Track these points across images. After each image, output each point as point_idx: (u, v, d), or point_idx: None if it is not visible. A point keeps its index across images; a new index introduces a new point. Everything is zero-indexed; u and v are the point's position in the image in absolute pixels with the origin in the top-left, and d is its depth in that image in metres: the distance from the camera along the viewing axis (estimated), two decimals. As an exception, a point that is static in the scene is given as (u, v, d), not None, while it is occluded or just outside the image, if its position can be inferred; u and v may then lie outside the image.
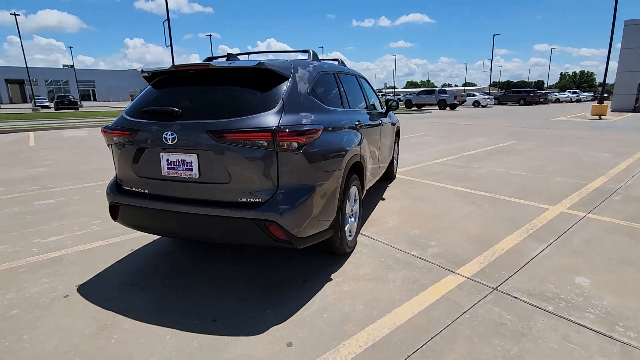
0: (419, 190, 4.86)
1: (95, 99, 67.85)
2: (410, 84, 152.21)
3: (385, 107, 4.64)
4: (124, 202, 2.45)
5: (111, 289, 2.51)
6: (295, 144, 2.11)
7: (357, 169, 3.07)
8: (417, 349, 1.87)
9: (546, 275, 2.59)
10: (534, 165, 6.37)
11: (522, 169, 6.05)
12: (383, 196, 4.62)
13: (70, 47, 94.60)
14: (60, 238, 3.38)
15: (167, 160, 2.25)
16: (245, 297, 2.39)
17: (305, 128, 2.16)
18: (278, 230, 2.12)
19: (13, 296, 2.44)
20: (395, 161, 5.56)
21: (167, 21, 19.61)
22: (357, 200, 3.16)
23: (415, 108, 29.51)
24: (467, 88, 77.21)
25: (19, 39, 36.07)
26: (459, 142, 9.53)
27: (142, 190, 2.41)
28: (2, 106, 44.41)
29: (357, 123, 3.10)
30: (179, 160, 2.22)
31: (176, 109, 2.23)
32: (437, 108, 28.65)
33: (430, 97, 29.25)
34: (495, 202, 4.30)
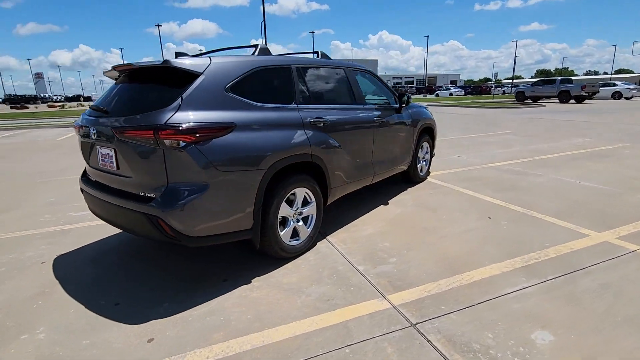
0: (437, 198, 4.25)
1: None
2: (541, 73, 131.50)
3: (398, 103, 4.17)
4: (84, 189, 2.80)
5: (75, 262, 2.91)
6: (182, 142, 2.09)
7: (308, 170, 2.87)
8: (256, 375, 1.70)
9: (495, 322, 2.01)
10: (623, 176, 4.91)
11: (601, 180, 4.72)
12: (389, 201, 4.19)
13: (200, 49, 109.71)
14: (84, 214, 4.04)
15: (100, 152, 2.49)
16: (162, 286, 2.50)
17: (193, 126, 2.12)
18: (166, 227, 2.15)
19: (14, 257, 3.04)
20: (424, 162, 4.97)
21: (263, 22, 21.25)
22: (314, 204, 2.95)
23: (529, 101, 25.49)
24: (613, 76, 62.92)
25: (161, 47, 43.55)
26: (546, 143, 7.93)
27: (92, 179, 2.72)
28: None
29: (314, 120, 2.88)
30: (106, 153, 2.43)
31: (102, 107, 2.44)
32: (558, 101, 24.19)
33: (549, 88, 24.74)
34: (521, 219, 3.49)
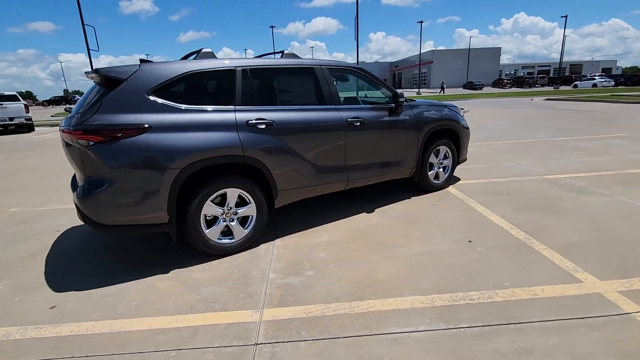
0: (431, 211, 3.72)
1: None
2: None
3: (394, 103, 3.76)
4: None
5: (75, 234, 3.57)
6: (90, 142, 2.38)
7: (243, 171, 2.89)
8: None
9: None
10: None
11: (694, 209, 3.39)
12: (376, 209, 3.86)
13: (312, 47, 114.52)
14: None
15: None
16: (103, 264, 2.89)
17: (101, 127, 2.38)
18: (83, 215, 2.49)
19: (47, 224, 3.90)
20: (440, 169, 4.38)
21: (356, 17, 21.01)
22: (253, 205, 2.97)
23: None
24: None
25: (273, 47, 47.11)
26: (665, 151, 5.98)
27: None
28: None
29: (253, 122, 2.87)
30: (72, 147, 2.92)
31: (70, 109, 2.92)
32: None
33: None
34: (509, 248, 2.82)
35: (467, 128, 4.64)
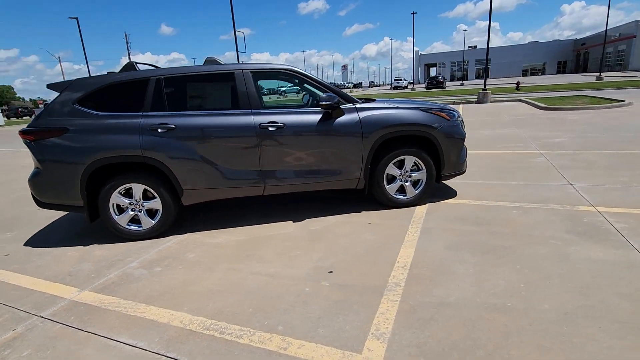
0: (354, 231, 3.25)
1: (488, 77, 71.67)
2: None
3: (327, 107, 3.39)
4: None
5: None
6: (27, 140, 3.18)
7: (146, 170, 3.27)
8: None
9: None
10: None
11: None
12: (305, 219, 3.62)
13: (465, 31, 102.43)
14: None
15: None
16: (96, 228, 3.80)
17: (32, 129, 3.14)
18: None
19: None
20: (407, 183, 3.72)
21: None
22: (158, 200, 3.33)
23: None
24: None
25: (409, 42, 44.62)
26: None
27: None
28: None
29: (155, 126, 3.19)
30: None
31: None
32: None
33: None
34: (359, 293, 2.31)
35: (457, 137, 3.72)
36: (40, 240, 3.60)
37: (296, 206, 4.04)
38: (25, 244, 3.51)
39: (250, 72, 3.45)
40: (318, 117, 3.44)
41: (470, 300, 2.11)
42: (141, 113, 3.27)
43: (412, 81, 55.37)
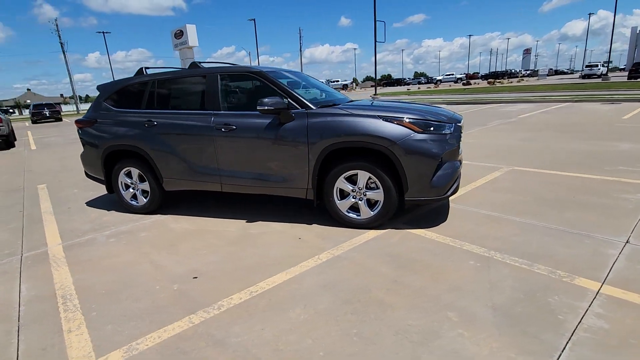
0: (258, 242, 3.11)
1: None
2: None
3: (273, 111, 3.25)
4: None
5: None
6: (77, 128, 4.33)
7: (124, 156, 4.06)
8: None
9: None
10: None
11: None
12: (258, 220, 3.64)
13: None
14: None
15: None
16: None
17: (79, 120, 4.25)
18: (87, 167, 4.59)
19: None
20: (361, 201, 3.27)
21: None
22: (147, 183, 4.02)
23: None
24: None
25: None
26: None
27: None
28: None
29: (145, 122, 3.83)
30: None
31: None
32: None
33: None
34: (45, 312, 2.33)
35: (426, 154, 2.97)
36: (94, 200, 4.87)
37: (270, 207, 4.08)
38: (79, 202, 4.83)
39: (221, 75, 3.66)
40: (268, 121, 3.37)
41: None
42: (140, 110, 3.97)
43: (623, 67, 41.77)
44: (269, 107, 3.21)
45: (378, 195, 3.17)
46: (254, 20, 38.51)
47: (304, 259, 2.81)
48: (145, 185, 4.06)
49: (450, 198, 3.90)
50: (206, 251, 3.08)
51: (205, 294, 2.42)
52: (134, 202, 4.21)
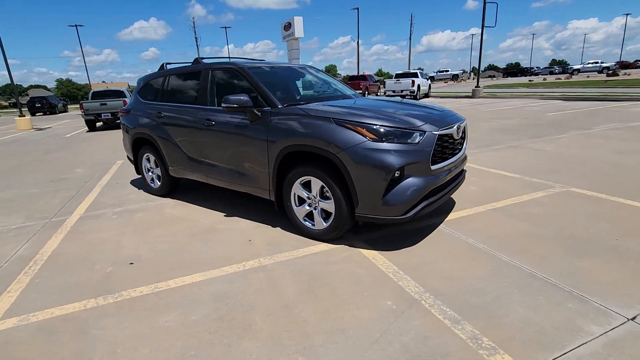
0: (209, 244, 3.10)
1: None
2: None
3: (242, 109, 3.18)
4: None
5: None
6: (119, 115, 4.99)
7: (144, 143, 4.49)
8: None
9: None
10: None
11: None
12: (234, 216, 3.68)
13: None
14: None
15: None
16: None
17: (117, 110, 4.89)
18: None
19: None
20: (316, 210, 3.01)
21: None
22: (158, 169, 4.46)
23: None
24: None
25: None
26: None
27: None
28: None
29: (156, 113, 4.22)
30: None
31: None
32: None
33: None
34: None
35: (376, 165, 2.53)
36: (138, 179, 5.59)
37: (258, 205, 4.07)
38: (127, 178, 5.59)
39: (210, 71, 3.76)
40: (239, 119, 3.34)
41: None
42: (154, 102, 4.38)
43: None
44: (231, 105, 3.16)
45: (330, 206, 2.86)
46: (357, 9, 38.29)
47: (232, 262, 2.74)
48: (159, 171, 4.49)
49: (445, 219, 3.30)
50: (164, 239, 3.27)
51: (122, 281, 2.58)
52: (152, 185, 4.71)
